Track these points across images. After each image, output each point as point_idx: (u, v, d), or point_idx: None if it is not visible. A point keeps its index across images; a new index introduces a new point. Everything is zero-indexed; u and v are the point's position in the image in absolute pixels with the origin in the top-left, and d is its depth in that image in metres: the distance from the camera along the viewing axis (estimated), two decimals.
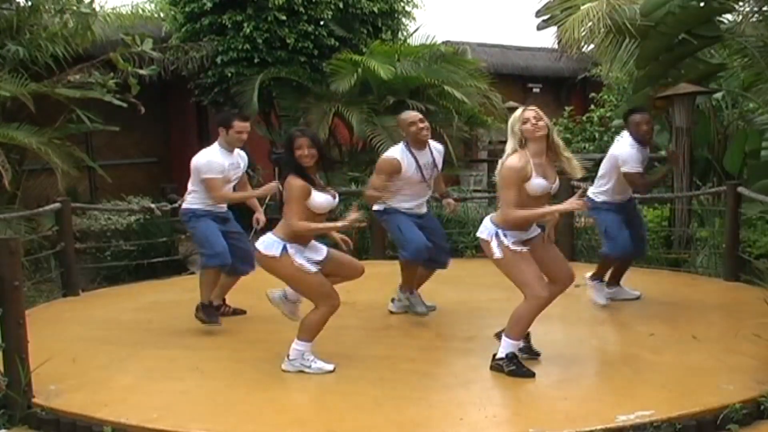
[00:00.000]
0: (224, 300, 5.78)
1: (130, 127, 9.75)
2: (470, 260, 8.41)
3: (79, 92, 8.31)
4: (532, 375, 4.38)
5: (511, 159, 4.29)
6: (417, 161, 5.40)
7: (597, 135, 13.30)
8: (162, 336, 5.40)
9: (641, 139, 5.66)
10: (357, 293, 6.00)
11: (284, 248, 4.36)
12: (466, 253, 8.65)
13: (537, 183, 4.29)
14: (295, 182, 4.36)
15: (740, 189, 6.72)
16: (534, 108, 4.40)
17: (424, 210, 5.65)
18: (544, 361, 4.90)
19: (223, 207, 5.64)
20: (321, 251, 4.54)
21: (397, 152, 5.42)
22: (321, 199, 4.43)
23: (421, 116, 5.48)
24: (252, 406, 4.04)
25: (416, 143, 5.42)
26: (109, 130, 8.96)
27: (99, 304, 6.75)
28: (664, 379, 4.27)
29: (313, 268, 4.40)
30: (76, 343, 5.26)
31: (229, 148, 5.53)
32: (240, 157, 5.68)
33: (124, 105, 8.41)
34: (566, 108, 14.14)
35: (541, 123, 4.29)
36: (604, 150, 11.63)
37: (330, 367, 4.56)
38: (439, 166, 5.60)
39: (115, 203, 8.53)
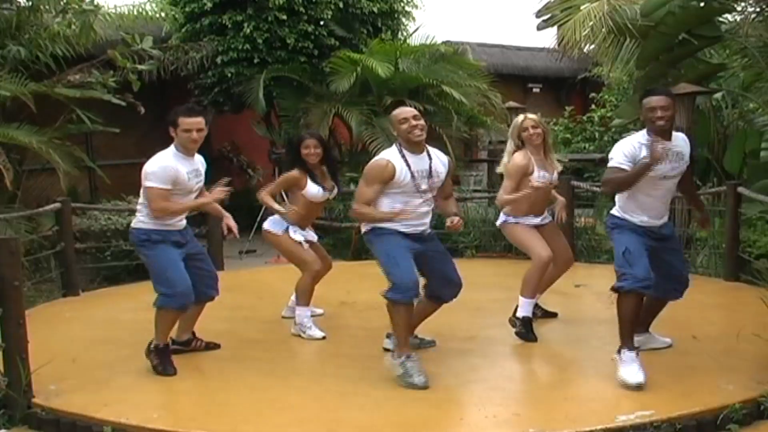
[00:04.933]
0: (194, 333, 4.99)
1: (130, 128, 9.75)
2: (470, 260, 8.41)
3: (79, 92, 8.31)
4: (535, 340, 5.07)
5: (517, 156, 5.16)
6: (410, 167, 4.36)
7: (597, 135, 13.32)
8: None
9: (656, 130, 4.20)
10: (357, 293, 6.01)
11: (286, 228, 5.33)
12: (466, 253, 8.65)
13: (541, 175, 5.12)
14: (291, 172, 5.34)
15: (740, 189, 6.73)
16: (532, 117, 5.24)
17: (424, 228, 4.54)
18: (544, 361, 4.90)
19: (181, 224, 4.63)
20: (311, 234, 5.52)
21: (389, 155, 4.43)
22: (314, 189, 5.30)
23: (415, 112, 4.45)
24: (252, 406, 4.03)
25: (409, 145, 4.40)
26: (109, 131, 8.96)
27: (99, 304, 6.75)
28: (664, 379, 4.26)
29: (301, 238, 5.36)
30: (76, 343, 5.26)
31: (186, 152, 4.51)
32: (201, 163, 4.70)
33: (124, 104, 8.42)
34: (566, 108, 14.16)
35: (538, 131, 5.13)
36: (603, 150, 11.69)
37: (320, 334, 5.28)
38: (441, 177, 4.54)
39: (115, 203, 8.52)
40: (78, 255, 7.35)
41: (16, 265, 4.08)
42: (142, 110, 8.47)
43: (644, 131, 4.29)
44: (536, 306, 5.54)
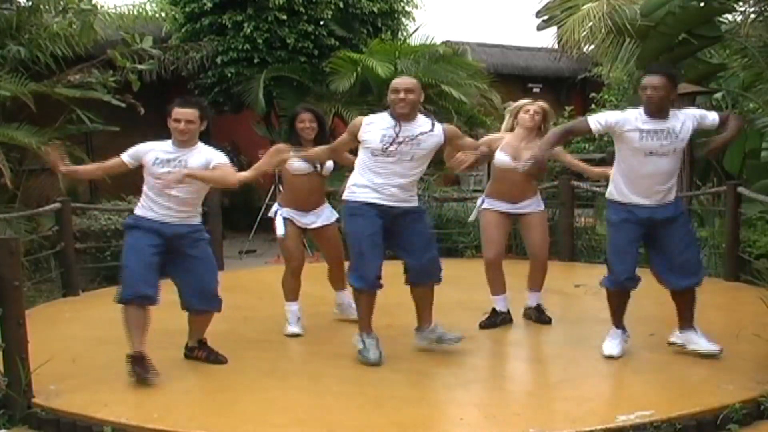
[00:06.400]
0: (200, 341, 4.80)
1: (130, 128, 9.76)
2: (470, 260, 8.41)
3: (79, 92, 8.32)
4: (494, 326, 5.37)
5: (497, 134, 5.48)
6: (384, 129, 4.46)
7: (597, 135, 13.30)
8: (162, 336, 5.37)
9: (646, 108, 4.38)
10: None
11: (276, 211, 5.27)
12: (466, 253, 8.65)
13: (499, 157, 5.22)
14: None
15: (740, 189, 6.73)
16: (541, 104, 5.29)
17: (396, 204, 4.52)
18: (544, 361, 4.91)
19: (174, 215, 4.45)
20: (311, 219, 5.28)
21: (377, 113, 4.65)
22: (297, 163, 5.11)
23: (409, 86, 4.50)
24: (252, 406, 4.03)
25: (396, 113, 4.51)
26: (109, 131, 8.97)
27: (99, 304, 6.73)
28: (664, 379, 4.27)
29: (280, 232, 5.18)
30: (76, 343, 5.26)
31: (177, 143, 4.47)
32: (201, 157, 4.47)
33: (123, 105, 8.42)
34: (566, 108, 14.15)
35: (536, 117, 5.24)
36: (604, 150, 11.69)
37: (291, 330, 5.27)
38: (419, 146, 4.48)
39: (115, 203, 8.53)
40: (78, 255, 7.35)
41: (16, 265, 4.08)
42: (142, 111, 8.48)
43: (642, 107, 4.43)
44: (535, 307, 5.53)
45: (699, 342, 4.60)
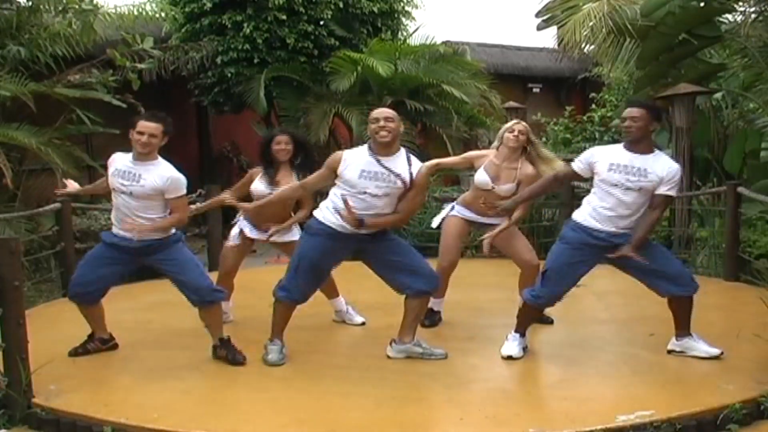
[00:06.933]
0: (220, 340, 4.77)
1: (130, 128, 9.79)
2: (470, 260, 8.40)
3: (79, 92, 8.32)
4: (435, 324, 5.40)
5: (482, 151, 5.57)
6: (363, 165, 4.36)
7: (597, 135, 13.31)
8: (162, 336, 5.40)
9: (625, 140, 4.46)
10: (357, 293, 6.00)
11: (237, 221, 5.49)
12: (466, 253, 8.64)
13: (477, 175, 5.22)
14: (252, 170, 5.45)
15: (740, 189, 6.73)
16: (525, 126, 5.25)
17: (363, 232, 4.44)
18: (544, 361, 4.90)
19: (128, 233, 4.54)
20: (259, 234, 5.42)
21: (354, 149, 4.55)
22: (259, 186, 5.27)
23: (388, 114, 4.36)
24: (252, 406, 4.04)
25: (376, 145, 4.37)
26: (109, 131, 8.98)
27: None
28: (664, 379, 4.27)
29: (233, 242, 5.46)
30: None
31: (137, 155, 4.52)
32: (156, 176, 4.51)
33: (124, 105, 8.42)
34: (566, 108, 14.16)
35: (521, 138, 5.15)
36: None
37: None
38: (394, 184, 4.37)
39: None
40: (78, 255, 7.32)
41: (16, 265, 4.08)
42: (143, 111, 8.47)
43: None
44: None
45: (698, 347, 4.59)
